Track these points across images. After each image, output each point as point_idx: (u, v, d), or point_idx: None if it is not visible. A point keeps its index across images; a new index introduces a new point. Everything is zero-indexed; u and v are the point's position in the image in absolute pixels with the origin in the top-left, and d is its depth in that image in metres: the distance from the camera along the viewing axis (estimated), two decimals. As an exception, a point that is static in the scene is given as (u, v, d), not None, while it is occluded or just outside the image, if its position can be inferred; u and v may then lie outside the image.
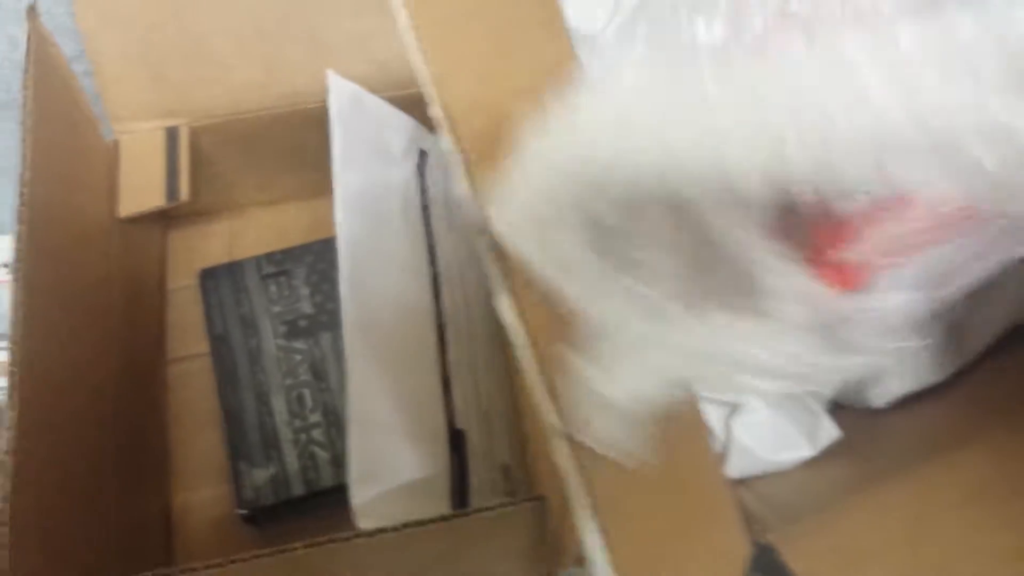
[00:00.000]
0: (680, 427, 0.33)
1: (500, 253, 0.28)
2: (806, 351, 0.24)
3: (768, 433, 0.39)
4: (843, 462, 0.37)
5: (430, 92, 0.29)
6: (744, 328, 0.24)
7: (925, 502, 0.31)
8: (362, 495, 0.41)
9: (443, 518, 0.37)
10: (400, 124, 0.52)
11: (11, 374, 0.37)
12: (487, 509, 0.38)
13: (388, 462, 0.43)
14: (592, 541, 0.27)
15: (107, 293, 0.50)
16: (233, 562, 0.35)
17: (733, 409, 0.38)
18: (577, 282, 0.25)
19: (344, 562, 0.37)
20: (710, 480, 0.34)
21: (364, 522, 0.41)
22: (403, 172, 0.51)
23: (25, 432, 0.37)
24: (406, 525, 0.37)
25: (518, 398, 0.49)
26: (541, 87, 0.25)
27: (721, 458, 0.39)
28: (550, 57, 0.31)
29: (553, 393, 0.28)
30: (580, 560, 0.32)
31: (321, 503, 0.50)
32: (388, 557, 0.38)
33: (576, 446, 0.28)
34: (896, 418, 0.41)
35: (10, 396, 0.37)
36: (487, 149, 0.29)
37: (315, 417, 0.51)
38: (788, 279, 0.23)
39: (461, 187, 0.29)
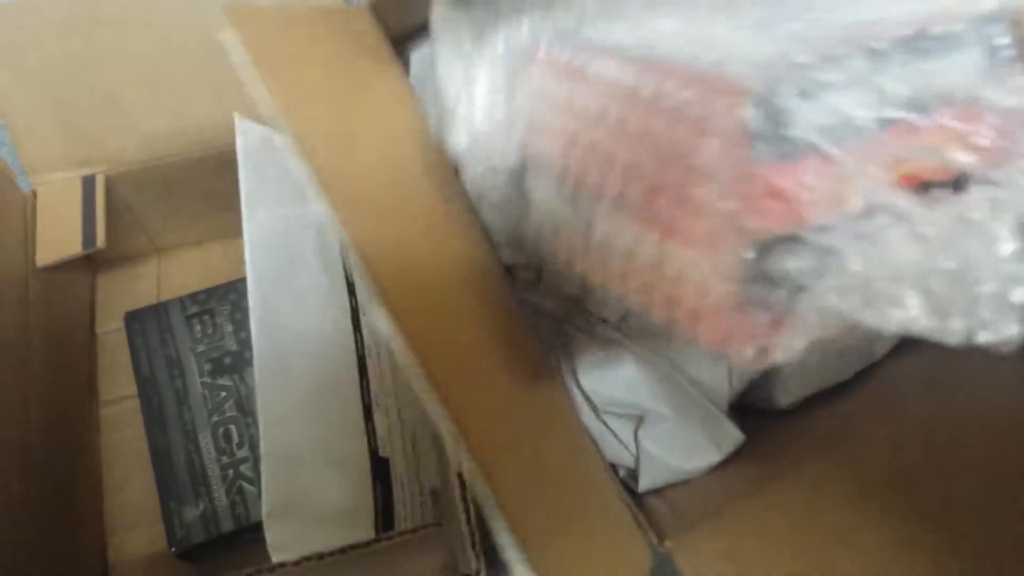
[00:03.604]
0: (571, 442, 0.31)
1: (371, 267, 0.25)
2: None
3: (675, 442, 0.36)
4: (744, 465, 0.35)
5: (280, 123, 0.27)
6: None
7: (810, 501, 0.29)
8: (276, 530, 0.38)
9: (353, 546, 0.34)
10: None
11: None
12: (398, 535, 0.36)
13: (305, 495, 0.40)
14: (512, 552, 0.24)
15: (26, 342, 0.46)
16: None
17: (639, 421, 0.35)
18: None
19: None
20: (608, 493, 0.32)
21: (279, 556, 0.38)
22: (317, 208, 0.47)
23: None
24: (319, 556, 0.35)
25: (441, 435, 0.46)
26: (382, 113, 0.23)
27: (634, 471, 0.37)
28: (383, 85, 0.28)
29: (446, 400, 0.25)
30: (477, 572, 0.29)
31: (254, 537, 0.46)
32: None
33: (477, 451, 0.25)
34: (798, 419, 0.39)
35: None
36: (340, 171, 0.26)
37: (242, 452, 0.47)
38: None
39: (322, 208, 0.26)
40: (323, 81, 0.29)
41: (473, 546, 0.29)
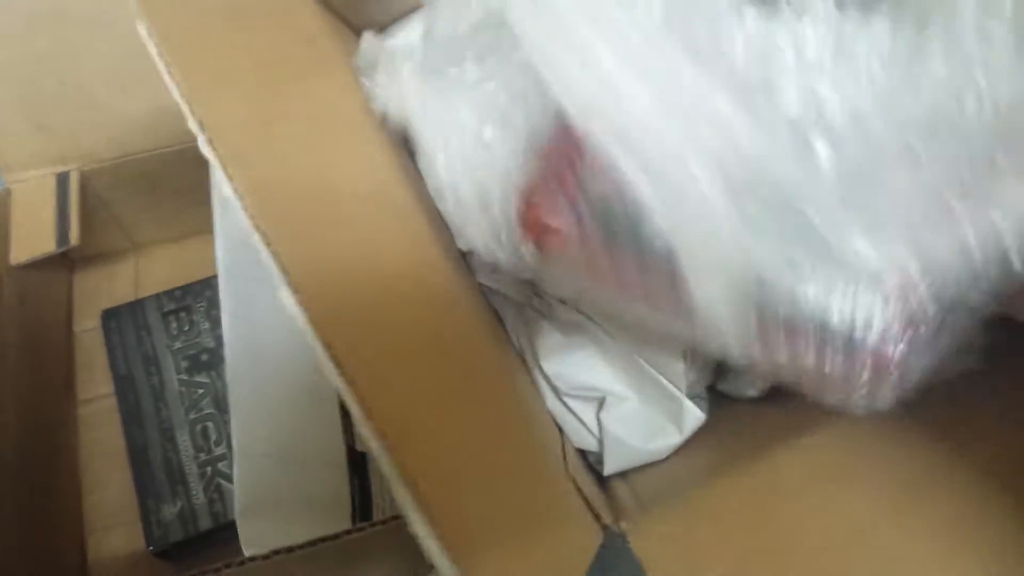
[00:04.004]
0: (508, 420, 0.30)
1: (276, 249, 0.24)
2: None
3: (637, 423, 0.36)
4: (709, 450, 0.34)
5: (185, 108, 0.26)
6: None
7: (768, 484, 0.28)
8: (249, 526, 0.37)
9: (324, 539, 0.34)
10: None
11: None
12: (370, 526, 0.35)
13: (280, 491, 0.39)
14: (429, 542, 0.23)
15: (1, 342, 0.45)
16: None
17: (601, 403, 0.35)
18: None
19: None
20: (553, 472, 0.31)
21: (251, 552, 0.37)
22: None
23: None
24: (289, 549, 0.34)
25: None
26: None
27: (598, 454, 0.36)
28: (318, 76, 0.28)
29: (350, 380, 0.24)
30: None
31: (232, 535, 0.46)
32: None
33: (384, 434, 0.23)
34: (766, 406, 0.39)
35: None
36: (247, 159, 0.26)
37: (220, 449, 0.47)
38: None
39: (227, 192, 0.25)
40: (240, 70, 0.28)
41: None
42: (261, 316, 0.42)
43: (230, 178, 0.24)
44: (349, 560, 0.36)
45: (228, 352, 0.40)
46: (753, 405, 0.38)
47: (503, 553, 0.23)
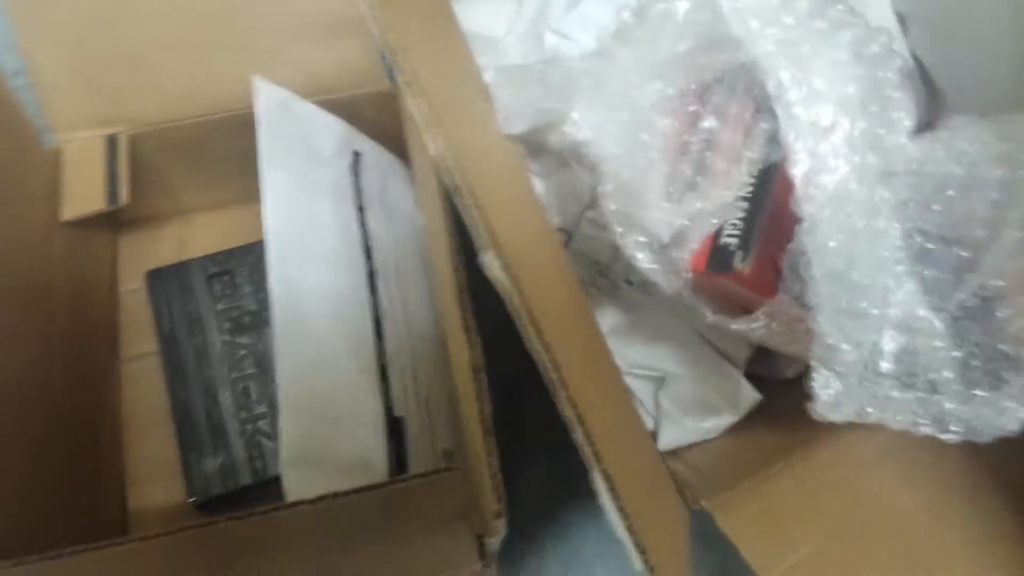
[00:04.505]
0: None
1: (484, 212, 0.25)
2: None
3: (693, 402, 0.37)
4: (767, 431, 0.35)
5: (395, 61, 0.26)
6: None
7: (843, 465, 0.29)
8: (293, 476, 0.38)
9: (369, 488, 0.34)
10: (330, 127, 0.49)
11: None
12: (412, 478, 0.36)
13: (321, 447, 0.40)
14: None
15: (50, 296, 0.46)
16: (170, 533, 0.32)
17: (659, 383, 0.35)
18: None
19: (274, 532, 0.34)
20: (648, 451, 0.32)
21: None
22: (334, 173, 0.47)
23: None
24: (334, 495, 0.35)
25: (456, 387, 0.46)
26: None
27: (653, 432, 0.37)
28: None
29: (545, 343, 0.25)
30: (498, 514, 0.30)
31: (270, 491, 0.47)
32: (317, 526, 0.35)
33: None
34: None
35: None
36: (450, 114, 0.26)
37: (261, 408, 0.48)
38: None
39: (434, 147, 0.26)
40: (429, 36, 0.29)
41: (495, 490, 0.29)
42: (306, 280, 0.43)
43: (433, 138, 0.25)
44: (390, 510, 0.37)
45: (277, 311, 0.41)
46: (791, 387, 0.39)
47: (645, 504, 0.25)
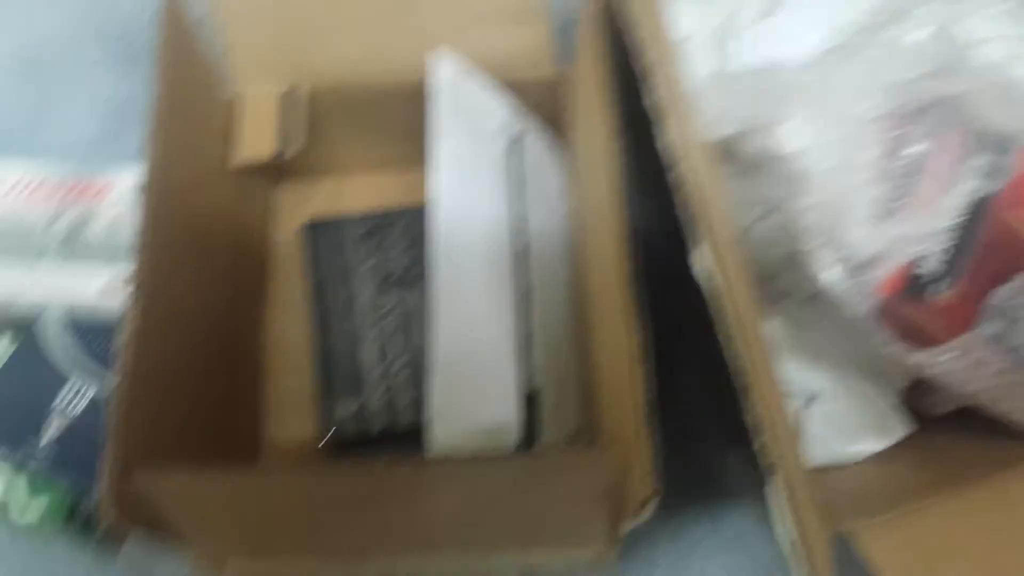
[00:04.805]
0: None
1: (703, 208, 0.26)
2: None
3: (842, 424, 0.36)
4: (916, 463, 0.34)
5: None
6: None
7: (999, 508, 0.28)
8: (440, 429, 0.40)
9: (518, 455, 0.36)
10: (499, 104, 0.50)
11: (137, 273, 0.39)
12: (560, 453, 0.37)
13: (466, 405, 0.42)
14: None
15: (215, 235, 0.49)
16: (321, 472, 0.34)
17: (808, 400, 0.35)
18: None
19: (419, 484, 0.35)
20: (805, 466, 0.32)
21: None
22: (498, 149, 0.49)
23: (143, 330, 0.38)
24: (481, 458, 0.36)
25: (591, 368, 0.47)
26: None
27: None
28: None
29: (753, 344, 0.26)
30: (644, 504, 0.30)
31: (400, 443, 0.49)
32: (460, 484, 0.36)
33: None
34: (959, 428, 0.38)
35: (135, 298, 0.38)
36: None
37: (400, 362, 0.50)
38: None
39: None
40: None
41: (647, 477, 0.30)
42: (466, 248, 0.45)
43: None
44: (526, 480, 0.38)
45: (440, 270, 0.42)
46: (942, 423, 0.38)
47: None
